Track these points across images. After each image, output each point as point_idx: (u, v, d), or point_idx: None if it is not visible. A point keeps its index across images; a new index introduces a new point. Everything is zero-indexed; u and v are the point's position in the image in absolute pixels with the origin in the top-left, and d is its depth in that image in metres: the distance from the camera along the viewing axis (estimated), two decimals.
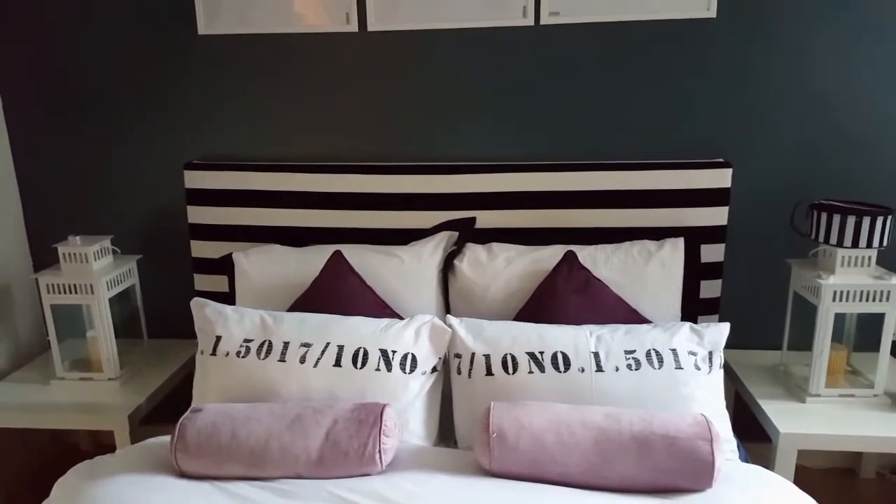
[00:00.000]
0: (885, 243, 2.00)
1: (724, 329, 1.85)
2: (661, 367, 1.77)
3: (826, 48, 2.21)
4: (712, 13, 2.20)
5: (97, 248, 2.24)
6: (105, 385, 2.25)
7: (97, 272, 2.22)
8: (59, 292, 2.20)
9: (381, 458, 1.60)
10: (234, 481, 1.60)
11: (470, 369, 1.83)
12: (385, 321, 1.94)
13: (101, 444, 2.75)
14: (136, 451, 1.77)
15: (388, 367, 1.83)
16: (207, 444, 1.62)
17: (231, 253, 2.28)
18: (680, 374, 1.77)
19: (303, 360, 1.83)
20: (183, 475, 1.63)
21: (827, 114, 2.26)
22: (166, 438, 1.74)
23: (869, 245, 1.99)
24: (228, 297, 2.26)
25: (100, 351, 2.24)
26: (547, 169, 2.27)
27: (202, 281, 2.47)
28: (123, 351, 2.31)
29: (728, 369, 2.27)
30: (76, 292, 2.19)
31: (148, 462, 1.69)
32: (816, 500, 1.55)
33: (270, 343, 1.87)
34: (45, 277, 2.20)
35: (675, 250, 2.15)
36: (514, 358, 1.80)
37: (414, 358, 1.85)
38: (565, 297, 2.04)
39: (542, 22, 2.26)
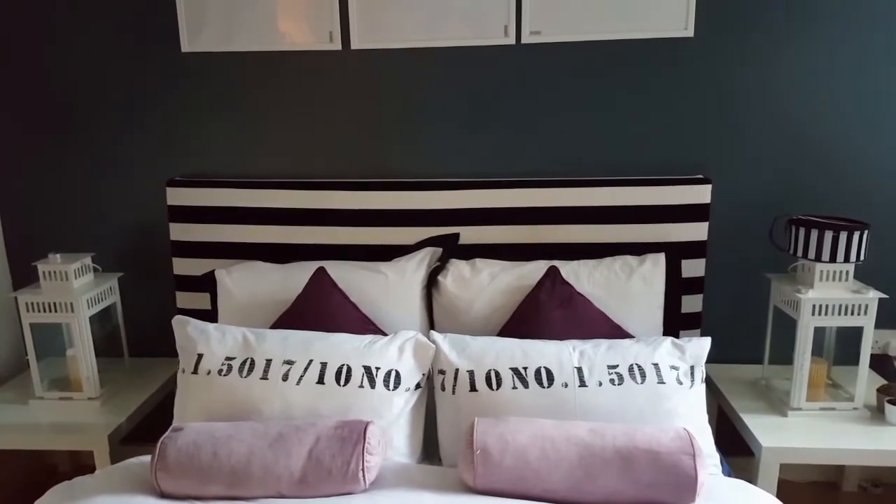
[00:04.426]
0: (862, 258, 2.03)
1: (705, 343, 1.87)
2: (643, 381, 1.78)
3: (802, 67, 2.25)
4: (689, 33, 2.24)
5: (78, 266, 2.22)
6: (85, 404, 2.23)
7: (77, 290, 2.19)
8: (39, 311, 2.18)
9: (364, 476, 1.59)
10: (215, 501, 1.58)
11: (454, 385, 1.83)
12: (369, 337, 1.94)
13: (80, 464, 2.70)
14: (116, 471, 1.75)
15: (372, 383, 1.82)
16: (188, 463, 1.60)
17: (213, 270, 2.27)
18: (662, 388, 1.78)
19: (285, 377, 1.82)
20: (163, 495, 1.61)
21: (804, 130, 2.30)
22: (146, 458, 1.72)
23: (847, 259, 2.02)
24: (211, 315, 2.25)
25: (80, 370, 2.22)
26: (529, 185, 2.29)
27: (184, 298, 2.45)
28: (104, 370, 2.29)
29: (710, 383, 2.28)
30: (56, 311, 2.17)
31: (128, 482, 1.67)
32: None
33: (253, 361, 1.86)
34: (24, 296, 2.18)
35: (656, 265, 2.17)
36: (497, 374, 1.81)
37: (398, 374, 1.85)
38: (548, 313, 2.04)
39: (524, 41, 2.29)
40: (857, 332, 2.04)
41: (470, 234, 2.32)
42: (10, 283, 2.62)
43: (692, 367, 1.83)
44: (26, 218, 2.57)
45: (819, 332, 2.08)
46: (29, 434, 2.13)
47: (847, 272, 2.05)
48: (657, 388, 1.77)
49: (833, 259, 2.02)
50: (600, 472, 1.55)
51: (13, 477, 2.58)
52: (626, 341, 1.90)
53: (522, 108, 2.35)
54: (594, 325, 2.03)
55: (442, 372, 1.87)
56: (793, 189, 2.34)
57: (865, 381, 2.07)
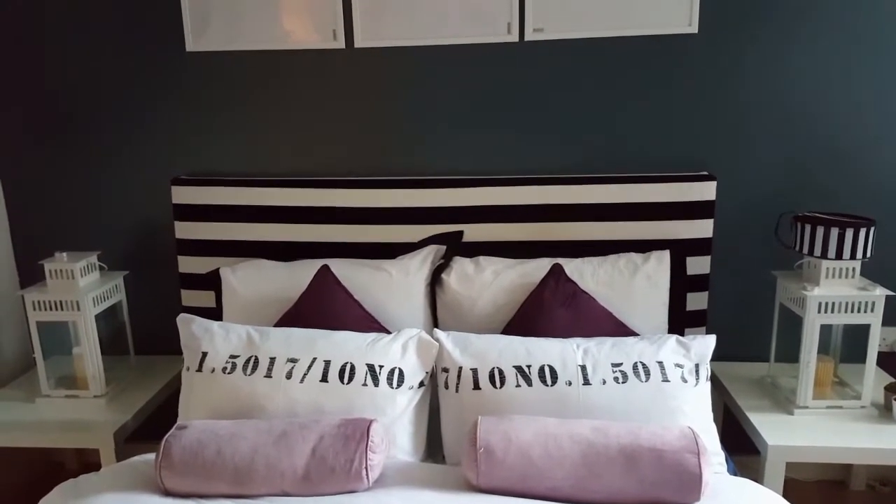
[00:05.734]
0: (868, 255, 2.01)
1: (710, 341, 1.86)
2: (647, 379, 1.77)
3: (807, 62, 2.23)
4: (694, 29, 2.23)
5: (83, 265, 2.22)
6: (91, 402, 2.24)
7: (83, 288, 2.20)
8: (45, 309, 2.19)
9: (367, 474, 1.59)
10: (219, 499, 1.59)
11: (457, 383, 1.83)
12: (372, 335, 1.94)
13: (86, 462, 2.72)
14: (121, 469, 1.76)
15: (375, 381, 1.82)
16: (192, 461, 1.60)
17: (218, 268, 2.28)
18: (667, 386, 1.77)
19: (289, 375, 1.82)
20: (168, 493, 1.62)
21: (809, 127, 2.28)
22: (151, 456, 1.72)
23: (853, 256, 2.01)
24: (215, 313, 2.25)
25: (86, 368, 2.22)
26: (533, 182, 2.28)
27: (189, 296, 2.46)
28: (109, 368, 2.29)
29: (716, 381, 2.27)
30: (62, 309, 2.18)
31: (133, 480, 1.68)
32: None
33: (257, 359, 1.86)
34: (30, 294, 2.19)
35: (660, 263, 2.16)
36: (501, 372, 1.80)
37: (401, 372, 1.85)
38: (552, 311, 2.04)
39: (527, 38, 2.28)
40: (864, 330, 2.02)
41: (474, 232, 2.31)
42: (16, 282, 2.64)
43: (697, 366, 1.82)
44: (33, 217, 2.59)
45: (825, 330, 2.07)
46: (35, 432, 2.14)
47: (854, 269, 2.04)
48: (662, 386, 1.77)
49: (839, 256, 2.01)
50: (604, 471, 1.54)
51: (20, 474, 2.60)
52: (631, 339, 1.90)
53: (526, 106, 2.34)
54: (598, 322, 2.03)
55: (445, 370, 1.87)
56: (799, 186, 2.32)
57: (873, 379, 2.05)
